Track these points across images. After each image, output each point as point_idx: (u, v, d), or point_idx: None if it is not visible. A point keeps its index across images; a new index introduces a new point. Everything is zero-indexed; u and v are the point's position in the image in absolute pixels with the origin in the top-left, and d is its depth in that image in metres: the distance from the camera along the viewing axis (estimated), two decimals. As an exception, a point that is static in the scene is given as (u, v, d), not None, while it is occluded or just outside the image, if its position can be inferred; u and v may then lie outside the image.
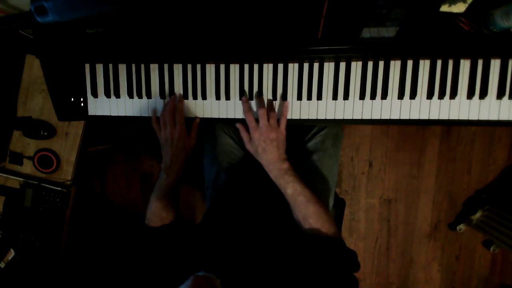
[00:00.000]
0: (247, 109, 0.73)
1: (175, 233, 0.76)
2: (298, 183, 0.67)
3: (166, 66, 0.76)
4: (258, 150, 0.71)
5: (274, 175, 0.70)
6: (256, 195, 0.83)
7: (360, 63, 0.72)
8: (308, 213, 0.65)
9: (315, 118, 0.75)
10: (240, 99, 0.76)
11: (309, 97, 0.74)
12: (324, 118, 0.75)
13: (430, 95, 0.71)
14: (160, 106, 0.78)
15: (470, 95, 0.70)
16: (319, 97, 0.74)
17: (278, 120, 0.72)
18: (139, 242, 0.75)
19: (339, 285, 0.54)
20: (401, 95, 0.71)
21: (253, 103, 0.76)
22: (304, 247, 0.62)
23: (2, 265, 1.18)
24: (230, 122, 0.79)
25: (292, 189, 0.67)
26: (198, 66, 0.76)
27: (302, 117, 0.75)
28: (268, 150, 0.70)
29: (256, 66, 0.74)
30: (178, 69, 0.76)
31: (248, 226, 0.69)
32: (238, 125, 0.75)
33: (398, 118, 0.73)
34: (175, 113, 0.75)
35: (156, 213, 0.76)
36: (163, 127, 0.75)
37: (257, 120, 0.72)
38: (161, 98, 0.78)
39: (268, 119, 0.71)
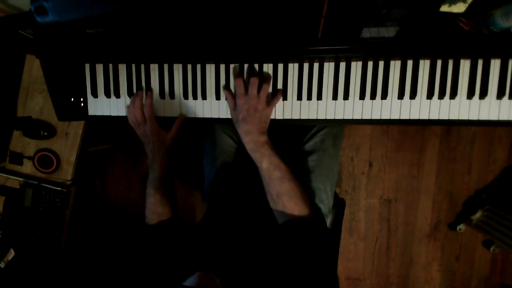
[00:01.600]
0: (240, 76, 0.71)
1: (174, 230, 0.76)
2: (274, 157, 0.65)
3: (166, 66, 0.76)
4: (239, 117, 0.68)
5: (250, 147, 0.67)
6: (256, 194, 0.83)
7: (360, 63, 0.72)
8: (282, 190, 0.63)
9: (315, 118, 0.75)
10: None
11: (309, 97, 0.74)
12: (324, 118, 0.75)
13: (430, 95, 0.71)
14: (160, 106, 0.78)
15: (470, 95, 0.70)
16: (319, 97, 0.74)
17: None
18: (138, 240, 0.75)
19: (314, 270, 0.52)
20: (401, 95, 0.71)
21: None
22: (278, 236, 0.60)
23: (2, 265, 1.18)
24: (230, 122, 0.78)
25: (268, 163, 0.65)
26: (198, 66, 0.76)
27: (302, 117, 0.75)
28: (249, 120, 0.67)
29: (256, 66, 0.74)
30: (178, 69, 0.76)
31: (248, 226, 0.69)
32: (225, 91, 0.73)
33: (398, 118, 0.73)
34: (144, 109, 0.75)
35: (152, 210, 0.76)
36: (136, 126, 0.76)
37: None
38: (161, 98, 0.78)
39: (259, 91, 0.69)
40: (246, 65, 0.74)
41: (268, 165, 0.65)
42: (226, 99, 0.74)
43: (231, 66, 0.75)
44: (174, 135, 0.77)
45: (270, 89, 0.74)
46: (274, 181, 0.64)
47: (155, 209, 0.76)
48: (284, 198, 0.63)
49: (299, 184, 0.65)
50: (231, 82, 0.75)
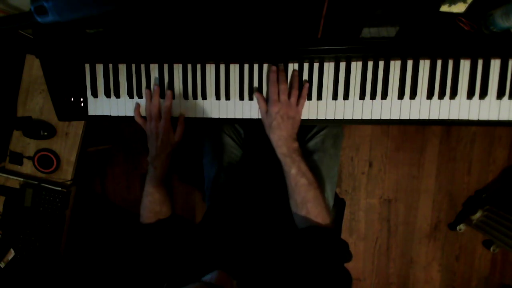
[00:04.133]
0: (274, 79, 0.71)
1: (174, 229, 0.76)
2: (303, 164, 0.67)
3: (166, 66, 0.76)
4: (273, 124, 0.69)
5: (282, 152, 0.68)
6: (256, 194, 0.83)
7: (360, 63, 0.72)
8: (308, 197, 0.64)
9: (315, 118, 0.75)
10: (240, 99, 0.76)
11: (309, 97, 0.74)
12: (324, 118, 0.75)
13: (430, 95, 0.71)
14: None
15: (470, 95, 0.70)
16: (319, 97, 0.74)
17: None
18: (135, 240, 0.75)
19: (333, 277, 0.53)
20: (401, 95, 0.71)
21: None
22: (298, 240, 0.61)
23: (2, 265, 1.18)
24: (230, 122, 0.79)
25: (297, 169, 0.66)
26: (198, 66, 0.76)
27: (302, 117, 0.75)
28: (283, 126, 0.69)
29: (256, 66, 0.74)
30: (178, 69, 0.76)
31: (249, 226, 0.69)
32: (257, 94, 0.74)
33: (398, 118, 0.73)
34: (162, 108, 0.75)
35: (150, 208, 0.76)
36: (149, 120, 0.76)
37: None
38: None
39: (289, 97, 0.70)
40: (246, 65, 0.74)
41: (297, 171, 0.66)
42: (258, 103, 0.74)
43: (231, 66, 0.75)
44: (180, 137, 0.77)
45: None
46: (300, 187, 0.65)
47: (152, 207, 0.76)
48: (309, 205, 0.64)
49: (323, 194, 0.67)
50: (231, 82, 0.75)
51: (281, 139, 0.68)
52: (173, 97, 0.77)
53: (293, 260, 0.55)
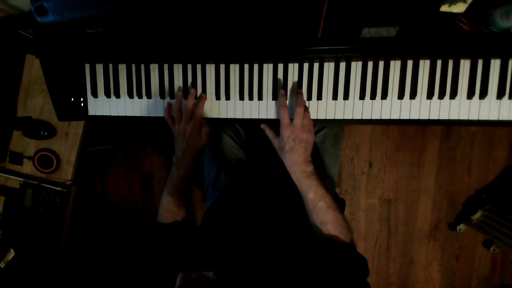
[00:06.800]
0: (284, 104, 0.70)
1: (185, 231, 0.77)
2: (320, 188, 0.65)
3: (166, 66, 0.76)
4: (285, 148, 0.67)
5: (296, 177, 0.67)
6: (256, 194, 0.83)
7: (360, 63, 0.72)
8: (326, 219, 0.64)
9: (315, 118, 0.75)
10: (240, 99, 0.76)
11: (309, 97, 0.74)
12: (324, 118, 0.75)
13: (430, 95, 0.71)
14: (160, 106, 0.78)
15: (470, 95, 0.70)
16: (319, 97, 0.74)
17: None
18: (150, 237, 0.75)
19: None
20: (401, 95, 0.71)
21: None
22: (314, 249, 0.62)
23: (2, 265, 1.18)
24: (230, 122, 0.78)
25: (314, 194, 0.65)
26: (198, 66, 0.76)
27: (302, 117, 0.75)
28: (295, 150, 0.67)
29: (256, 66, 0.74)
30: (178, 69, 0.76)
31: (250, 227, 0.69)
32: (263, 126, 0.73)
33: (398, 118, 0.73)
34: (195, 109, 0.74)
35: (168, 208, 0.76)
36: (178, 121, 0.74)
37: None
38: (161, 98, 0.78)
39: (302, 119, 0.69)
40: (246, 65, 0.74)
41: (314, 196, 0.65)
42: (265, 131, 0.73)
43: (231, 66, 0.75)
44: (206, 141, 0.76)
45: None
46: (319, 210, 0.64)
47: (170, 208, 0.76)
48: (329, 226, 0.64)
49: (342, 213, 0.66)
50: (231, 82, 0.75)
51: (295, 164, 0.67)
52: (173, 97, 0.77)
53: (308, 270, 0.55)
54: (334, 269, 0.56)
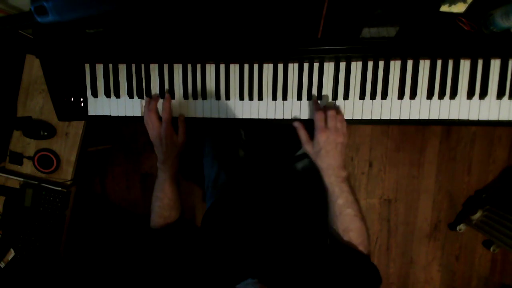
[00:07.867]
0: (318, 107, 0.70)
1: (180, 232, 0.77)
2: (351, 195, 0.65)
3: (166, 66, 0.76)
4: (321, 152, 0.67)
5: (330, 181, 0.66)
6: (257, 194, 0.83)
7: (360, 63, 0.72)
8: (351, 227, 0.64)
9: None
10: (242, 99, 0.76)
11: (309, 97, 0.74)
12: (324, 118, 0.75)
13: (430, 95, 0.71)
14: (160, 106, 0.78)
15: (470, 95, 0.70)
16: (319, 97, 0.74)
17: None
18: (142, 243, 0.75)
19: None
20: (401, 95, 0.71)
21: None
22: (320, 251, 0.62)
23: (2, 265, 1.18)
24: (229, 123, 0.78)
25: (344, 200, 0.65)
26: (198, 66, 0.76)
27: (302, 117, 0.75)
28: (331, 154, 0.66)
29: (256, 66, 0.74)
30: (178, 69, 0.76)
31: (251, 227, 0.69)
32: (297, 124, 0.72)
33: (398, 118, 0.73)
34: (162, 113, 0.75)
35: (159, 213, 0.76)
36: (149, 127, 0.76)
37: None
38: (161, 98, 0.78)
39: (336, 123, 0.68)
40: (246, 65, 0.74)
41: (344, 202, 0.65)
42: (298, 132, 0.72)
43: (231, 66, 0.75)
44: (184, 138, 0.77)
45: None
46: (345, 217, 0.65)
47: (162, 213, 0.76)
48: (351, 234, 0.64)
49: (366, 223, 0.67)
50: (231, 82, 0.75)
51: (330, 168, 0.66)
52: (173, 97, 0.77)
53: (316, 274, 0.55)
54: (349, 277, 0.57)
